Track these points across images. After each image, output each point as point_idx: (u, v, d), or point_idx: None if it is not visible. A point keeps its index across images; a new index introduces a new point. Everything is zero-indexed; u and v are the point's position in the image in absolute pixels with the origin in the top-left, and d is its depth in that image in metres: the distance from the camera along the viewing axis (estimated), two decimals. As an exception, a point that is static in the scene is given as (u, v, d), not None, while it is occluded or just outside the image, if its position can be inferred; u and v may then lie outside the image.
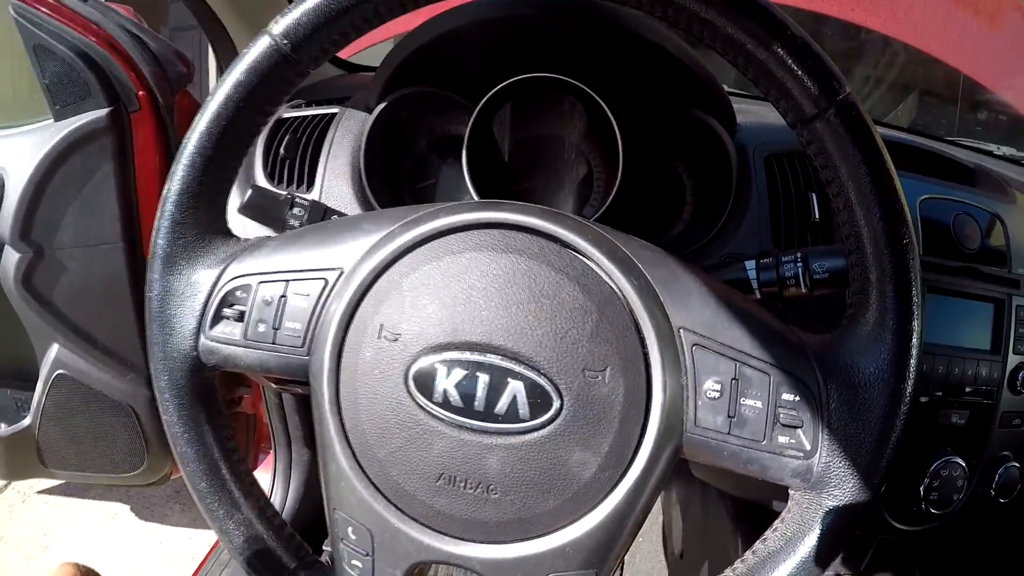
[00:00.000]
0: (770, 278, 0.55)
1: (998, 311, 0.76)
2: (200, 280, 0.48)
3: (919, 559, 0.92)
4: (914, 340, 0.42)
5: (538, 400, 0.41)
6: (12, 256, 1.00)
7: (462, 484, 0.42)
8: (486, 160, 0.69)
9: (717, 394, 0.42)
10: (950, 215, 0.75)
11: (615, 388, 0.42)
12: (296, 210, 0.62)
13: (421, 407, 0.43)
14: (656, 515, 1.42)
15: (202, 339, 0.47)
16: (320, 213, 0.63)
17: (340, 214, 0.65)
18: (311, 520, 1.27)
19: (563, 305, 0.42)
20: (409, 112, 0.74)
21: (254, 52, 0.45)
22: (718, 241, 0.69)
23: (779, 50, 0.41)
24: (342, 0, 0.43)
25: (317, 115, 0.78)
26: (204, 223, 0.48)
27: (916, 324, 0.42)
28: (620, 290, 0.43)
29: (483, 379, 0.42)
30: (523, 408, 0.41)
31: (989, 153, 1.11)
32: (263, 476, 1.29)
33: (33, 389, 1.13)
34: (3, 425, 1.19)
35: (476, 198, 0.66)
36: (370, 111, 0.74)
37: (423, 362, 0.43)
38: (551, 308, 0.42)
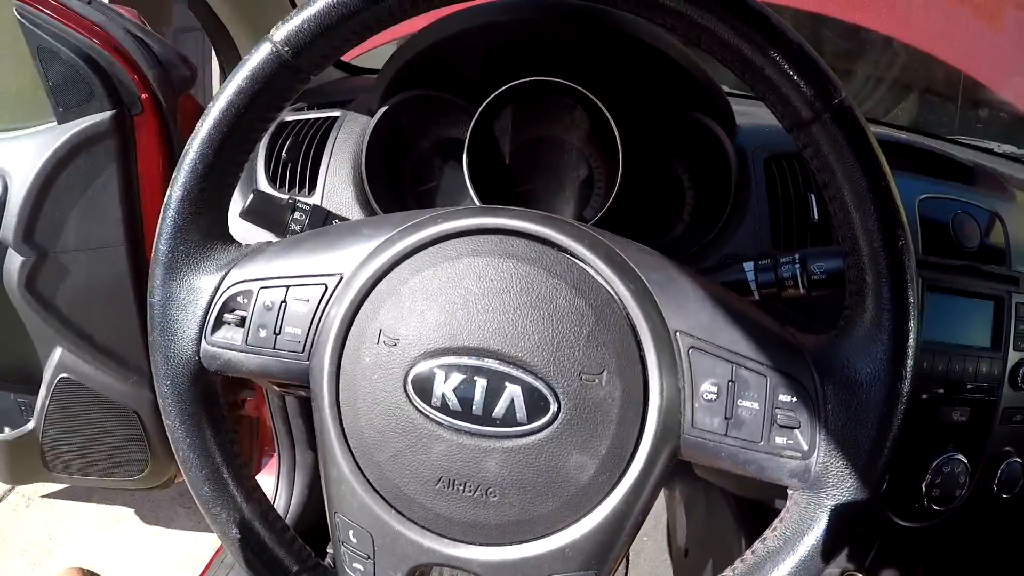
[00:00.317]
0: (768, 279, 0.56)
1: (998, 308, 0.76)
2: (202, 286, 0.48)
3: (923, 555, 0.92)
4: (910, 340, 0.43)
5: (536, 404, 0.42)
6: (15, 259, 1.00)
7: (461, 487, 0.43)
8: (487, 163, 0.69)
9: (714, 396, 0.43)
10: (949, 214, 0.76)
11: (612, 391, 0.42)
12: (297, 215, 0.62)
13: (420, 411, 0.43)
14: (660, 514, 1.43)
15: (204, 344, 0.48)
16: (321, 217, 0.63)
17: (341, 218, 0.65)
18: (315, 523, 1.27)
19: (560, 309, 0.43)
20: (411, 115, 0.75)
21: (256, 59, 0.45)
22: (717, 242, 0.70)
23: (775, 55, 0.41)
24: (343, 7, 0.43)
25: (319, 118, 0.79)
26: (205, 229, 0.49)
27: (912, 324, 0.43)
28: (617, 294, 0.43)
29: (481, 383, 0.42)
30: (521, 412, 0.42)
31: (989, 151, 1.11)
32: (267, 479, 1.29)
33: (36, 393, 1.13)
34: (7, 429, 1.20)
35: (477, 200, 0.67)
36: (372, 114, 0.74)
37: (422, 367, 0.43)
38: (548, 313, 0.43)
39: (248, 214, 0.63)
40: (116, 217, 1.00)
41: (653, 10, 0.42)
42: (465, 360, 0.42)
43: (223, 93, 0.46)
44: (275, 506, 0.53)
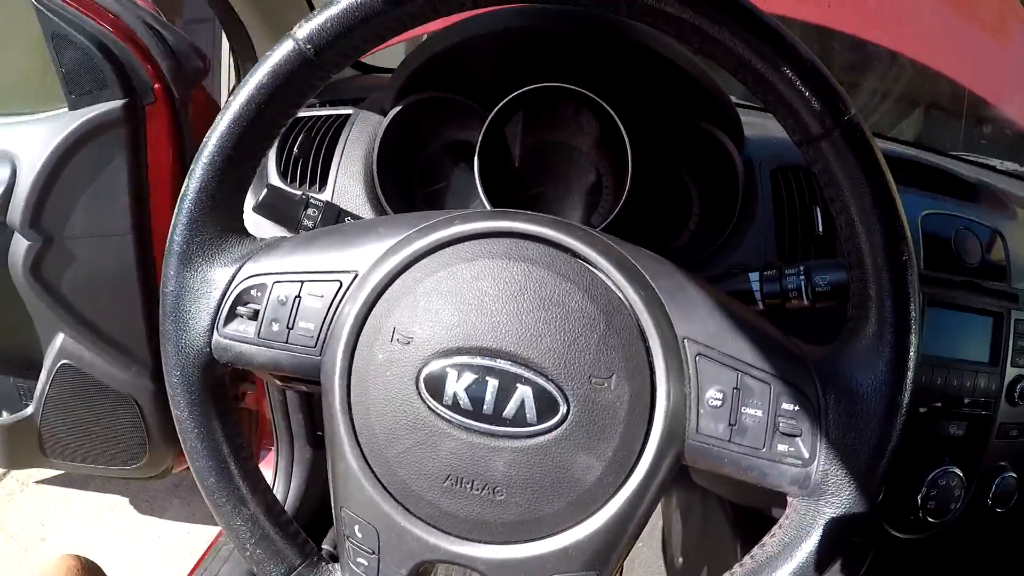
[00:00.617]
0: (773, 290, 0.56)
1: (997, 324, 0.77)
2: (216, 278, 0.49)
3: (917, 567, 0.93)
4: (911, 354, 0.43)
5: (546, 405, 0.42)
6: (21, 244, 1.01)
7: (469, 485, 0.43)
8: (497, 165, 0.70)
9: (719, 402, 0.43)
10: (951, 230, 0.76)
11: (620, 395, 0.43)
12: (310, 211, 0.63)
13: (431, 409, 0.43)
14: (656, 521, 1.43)
15: (215, 336, 0.48)
16: (334, 214, 0.63)
17: (353, 215, 0.65)
18: (311, 518, 1.27)
19: (572, 313, 0.43)
20: (423, 116, 0.75)
21: (277, 55, 0.46)
22: (723, 251, 0.71)
23: (787, 71, 0.42)
24: (366, 8, 0.44)
25: (331, 115, 0.79)
26: (221, 222, 0.49)
27: (913, 338, 0.43)
28: (627, 300, 0.44)
29: (492, 383, 0.43)
30: (530, 412, 0.42)
31: (992, 168, 1.12)
32: (265, 472, 1.29)
33: (37, 378, 1.13)
34: (5, 413, 1.20)
35: (487, 202, 0.67)
36: (384, 113, 0.75)
37: (434, 365, 0.44)
38: (560, 316, 0.43)
39: (261, 208, 0.63)
40: (124, 206, 1.01)
41: (668, 23, 0.43)
42: (478, 360, 0.43)
43: (244, 87, 0.46)
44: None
